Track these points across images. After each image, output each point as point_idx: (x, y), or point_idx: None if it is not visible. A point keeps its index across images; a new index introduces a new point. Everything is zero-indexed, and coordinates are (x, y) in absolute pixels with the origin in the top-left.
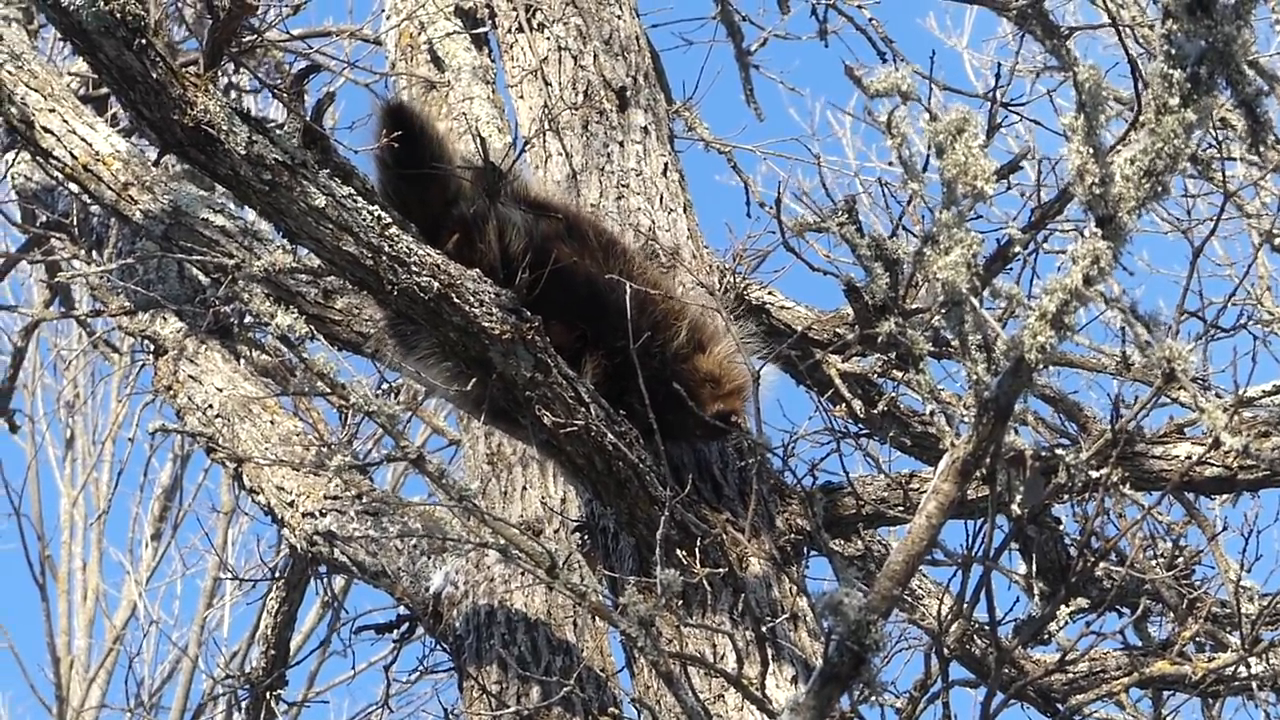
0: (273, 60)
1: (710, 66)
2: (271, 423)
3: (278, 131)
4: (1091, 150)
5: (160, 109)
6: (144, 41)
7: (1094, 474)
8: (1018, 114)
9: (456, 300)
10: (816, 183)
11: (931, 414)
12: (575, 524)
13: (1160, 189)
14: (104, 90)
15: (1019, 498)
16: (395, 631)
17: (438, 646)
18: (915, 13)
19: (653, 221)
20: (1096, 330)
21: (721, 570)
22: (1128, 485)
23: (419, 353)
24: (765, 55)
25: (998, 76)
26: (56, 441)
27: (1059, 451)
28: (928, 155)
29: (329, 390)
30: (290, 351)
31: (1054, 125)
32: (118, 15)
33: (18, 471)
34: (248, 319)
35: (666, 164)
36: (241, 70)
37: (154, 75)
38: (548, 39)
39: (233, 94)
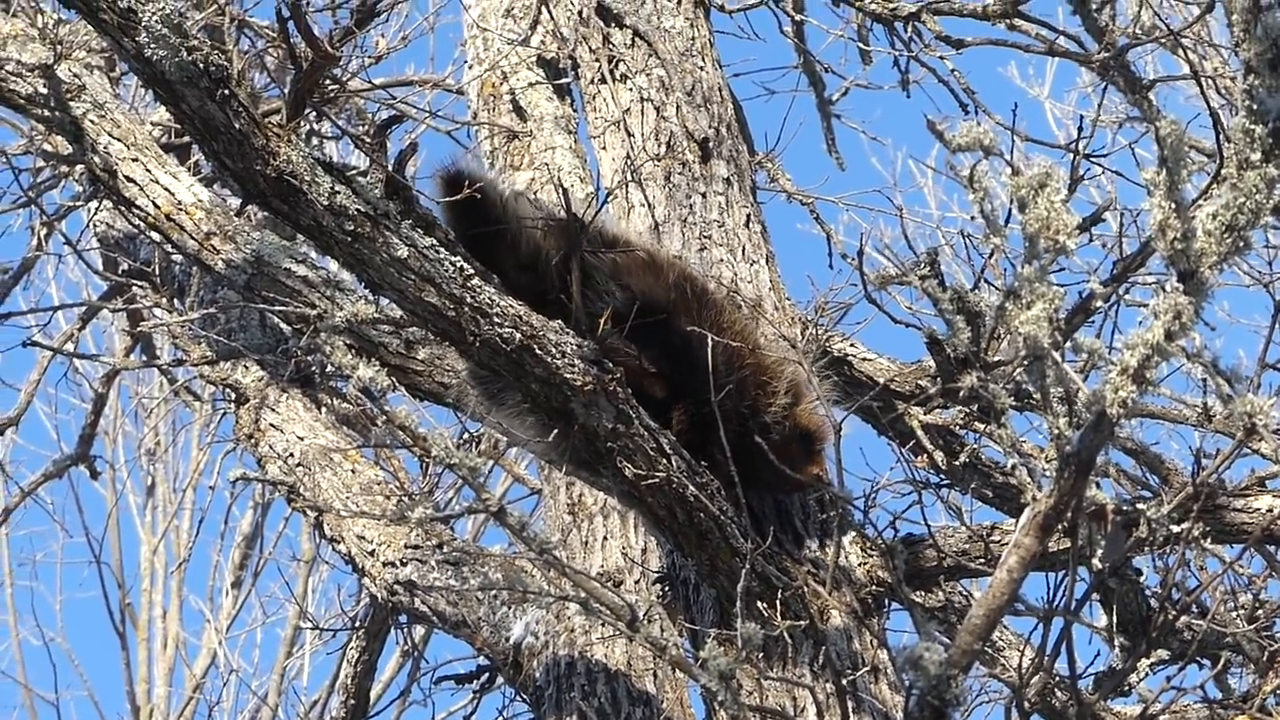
0: (354, 108)
1: (792, 116)
2: (353, 471)
3: (360, 181)
4: (1173, 205)
5: (243, 159)
6: (227, 92)
7: (1175, 528)
8: (1100, 165)
9: (539, 352)
10: (899, 233)
11: (1013, 468)
12: (656, 575)
13: (1242, 244)
14: (187, 139)
15: (1100, 552)
16: (475, 682)
17: (517, 697)
18: (997, 62)
19: (735, 273)
20: (1178, 381)
21: (802, 623)
22: (1209, 539)
23: (505, 405)
24: (847, 105)
25: (1080, 128)
26: (137, 489)
27: (1140, 505)
28: (1010, 209)
29: (410, 442)
30: (372, 404)
31: (1136, 176)
32: (200, 66)
33: (98, 519)
34: (329, 369)
35: (749, 215)
36: (324, 119)
37: (237, 126)
38: (630, 90)
39: (314, 141)
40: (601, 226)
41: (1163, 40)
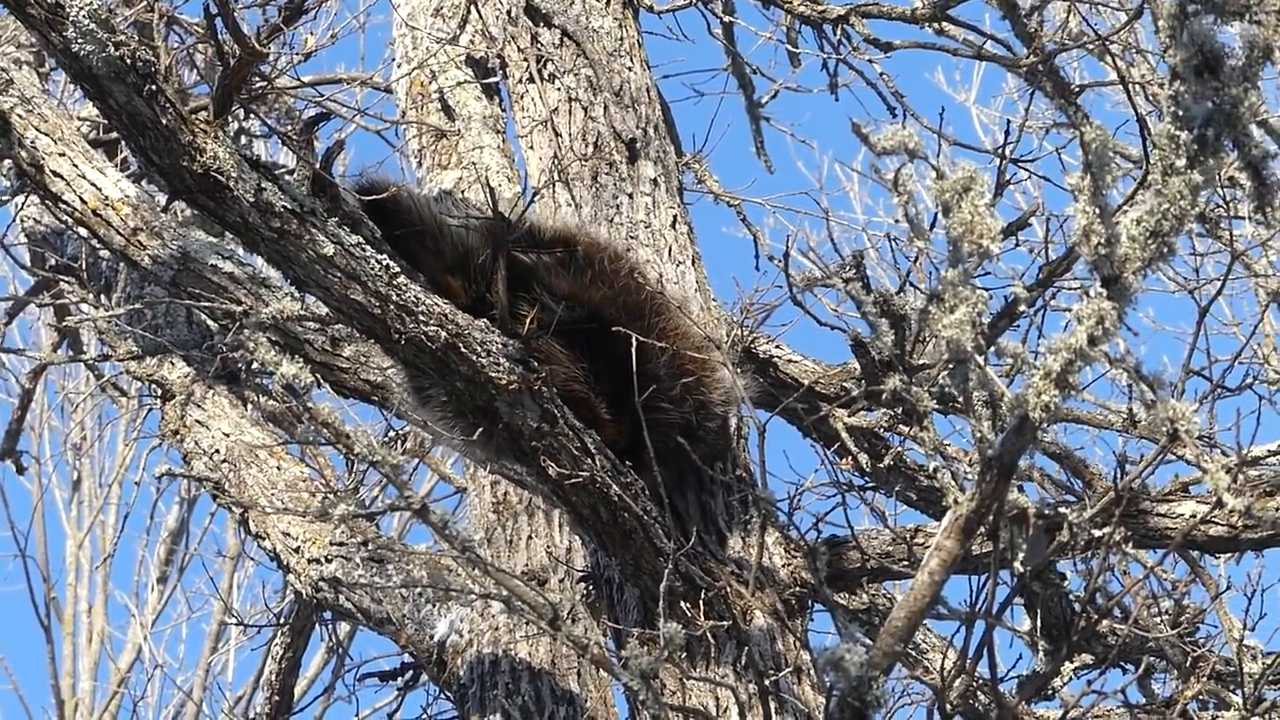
0: (283, 106)
1: (721, 118)
2: (278, 468)
3: (287, 178)
4: (1098, 210)
5: (169, 155)
6: (154, 87)
7: (1098, 533)
8: (1026, 170)
9: (464, 350)
10: (825, 236)
11: (936, 470)
12: (580, 574)
13: (1166, 250)
14: (114, 135)
15: (1023, 555)
16: (399, 679)
17: (441, 695)
18: (924, 67)
19: (661, 274)
20: (1102, 386)
21: (725, 623)
22: (1131, 544)
23: (432, 403)
24: (776, 107)
25: (1006, 133)
26: (63, 483)
27: (1063, 509)
28: (935, 213)
29: (334, 440)
30: (296, 401)
31: (1062, 181)
32: (128, 61)
33: (24, 513)
34: (254, 366)
35: (676, 216)
36: (252, 116)
37: (164, 121)
38: (558, 90)
39: (243, 139)
40: (537, 224)
41: (1090, 46)
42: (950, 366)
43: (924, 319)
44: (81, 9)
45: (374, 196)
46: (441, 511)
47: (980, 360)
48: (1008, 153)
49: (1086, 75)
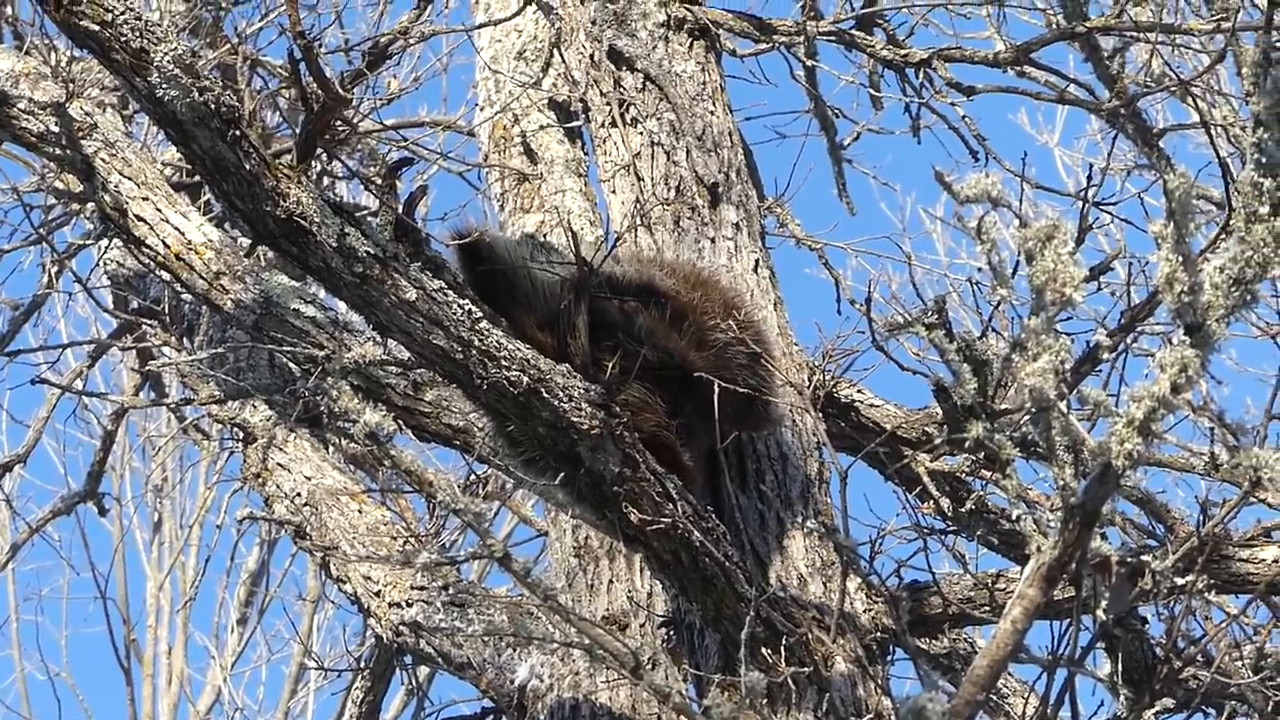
0: (366, 148)
1: (803, 160)
2: (359, 512)
3: (370, 222)
4: (1181, 258)
5: (253, 200)
6: (238, 132)
7: (1180, 579)
8: (1109, 214)
9: (546, 395)
10: (907, 278)
11: (1018, 518)
12: (661, 619)
13: (1249, 297)
14: (198, 178)
15: (1105, 602)
16: None
17: None
18: (1008, 109)
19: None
20: (1185, 427)
21: (807, 669)
22: (1214, 590)
23: (518, 451)
24: (858, 150)
25: (1089, 176)
26: (144, 525)
27: (1145, 556)
28: (1017, 260)
29: (417, 487)
30: (378, 448)
31: (1145, 224)
32: (212, 106)
33: (105, 555)
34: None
35: (758, 260)
36: (335, 160)
37: (247, 166)
38: (641, 134)
39: (325, 181)
40: (619, 273)
41: (1173, 89)
42: (1033, 414)
43: (1007, 366)
44: (166, 54)
45: (462, 241)
46: (524, 559)
47: (1063, 408)
48: (1090, 197)
49: (1169, 116)
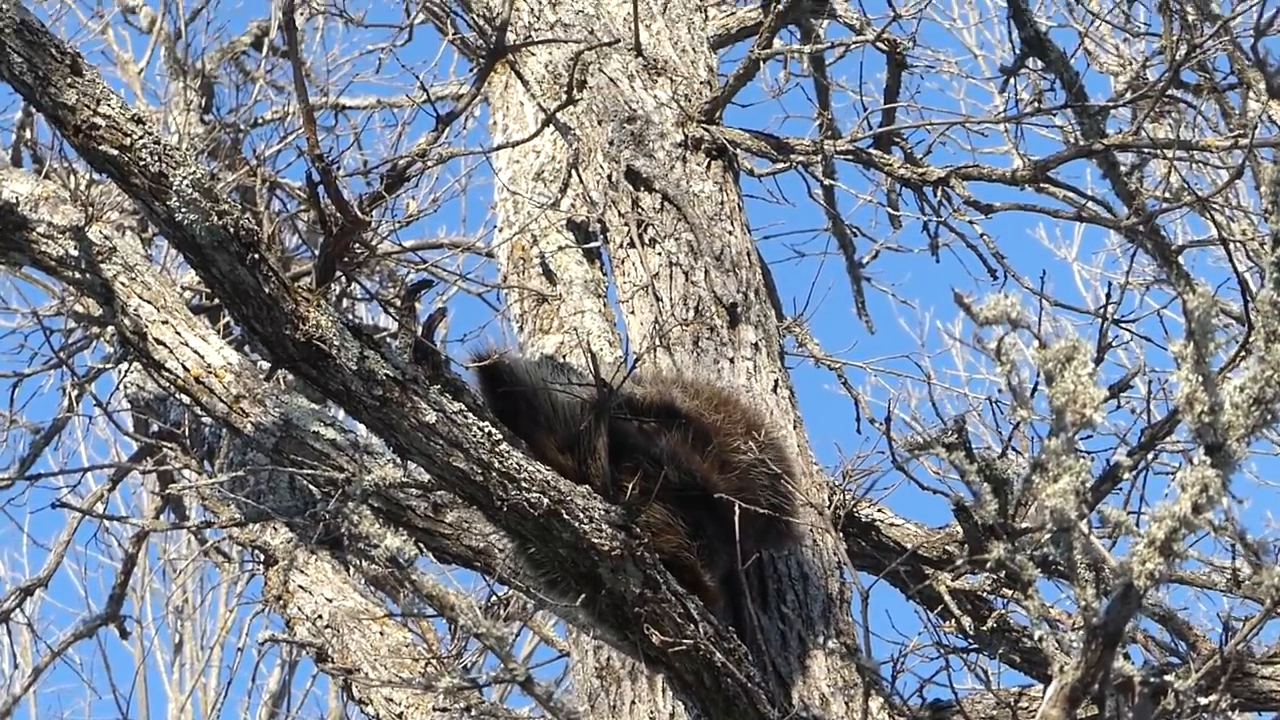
0: (385, 269)
1: (821, 278)
2: (381, 634)
3: (389, 345)
4: (1201, 378)
5: (272, 324)
6: (257, 256)
7: (1203, 699)
8: (1128, 331)
9: (566, 516)
10: (926, 396)
11: (1040, 638)
12: None
13: (1270, 416)
14: (217, 300)
15: None
16: None
17: None
18: (1026, 224)
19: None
20: (1206, 542)
21: None
22: (1237, 709)
23: (539, 571)
24: (876, 267)
25: (1108, 294)
26: (165, 647)
27: (1168, 675)
28: (1037, 380)
29: (439, 612)
30: (399, 572)
31: (1164, 338)
32: (231, 230)
33: (126, 677)
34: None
35: (777, 380)
36: (354, 282)
37: (266, 290)
38: (659, 254)
39: (344, 302)
40: (639, 394)
41: (1191, 205)
42: (1054, 534)
43: (1028, 486)
44: (185, 178)
45: (482, 363)
46: (546, 682)
47: (1084, 528)
48: (1110, 314)
49: (1188, 231)
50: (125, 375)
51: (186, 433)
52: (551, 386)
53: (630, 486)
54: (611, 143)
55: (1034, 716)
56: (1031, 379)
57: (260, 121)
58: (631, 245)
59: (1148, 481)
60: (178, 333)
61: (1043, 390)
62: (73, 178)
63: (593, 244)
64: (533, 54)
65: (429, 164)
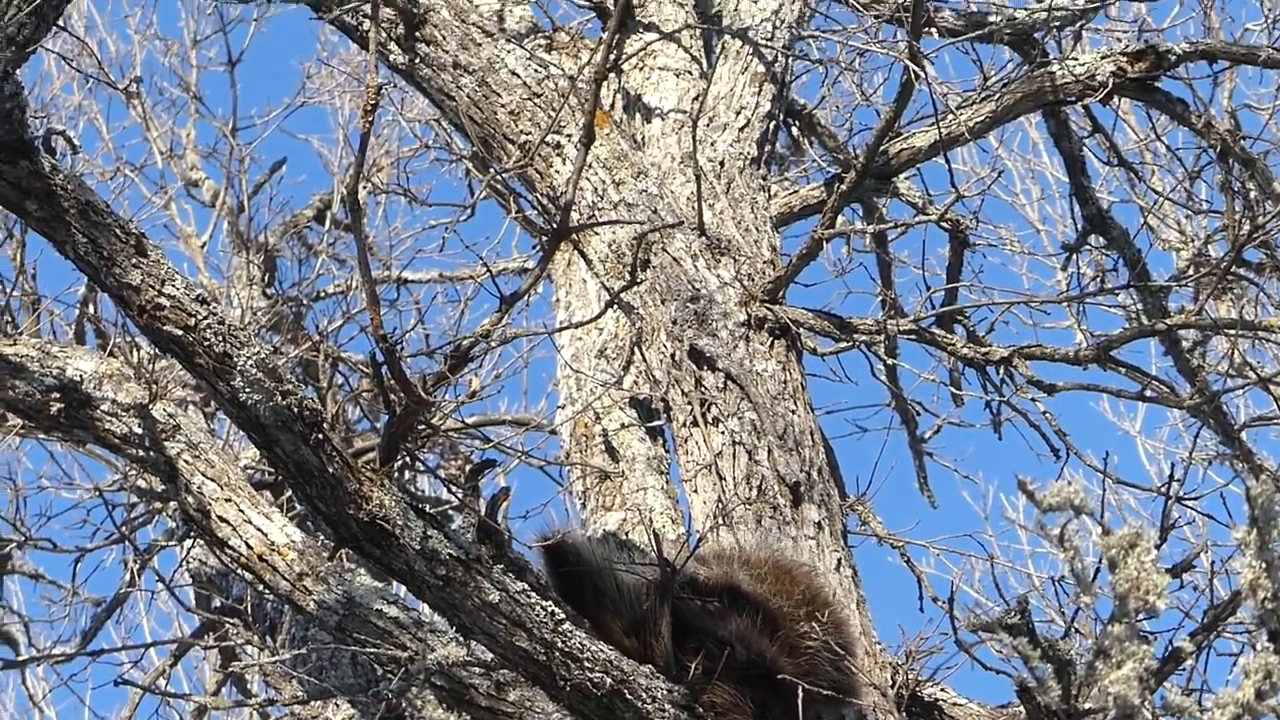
0: (447, 443)
1: (885, 455)
2: None
3: (452, 523)
4: (1264, 565)
5: (336, 503)
6: (320, 436)
7: None
8: (1191, 508)
9: (629, 696)
10: (989, 571)
11: None
12: None
13: None
14: (279, 476)
15: None
16: None
17: None
18: (1090, 398)
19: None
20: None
21: None
22: None
23: None
24: (938, 443)
25: (1171, 474)
26: None
27: None
28: (1099, 566)
29: None
30: None
31: (1226, 515)
32: (295, 410)
33: None
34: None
35: (840, 559)
36: (417, 460)
37: (330, 470)
38: (722, 433)
39: (408, 474)
40: (703, 575)
41: (1253, 384)
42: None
43: (1090, 672)
44: (249, 359)
45: (546, 544)
46: None
47: (1147, 714)
48: (1173, 493)
49: (1250, 408)
50: (188, 551)
51: (249, 609)
52: (615, 566)
53: (694, 666)
54: (675, 322)
55: None
56: (1095, 562)
57: (323, 295)
58: (694, 424)
59: (1210, 663)
60: (241, 510)
61: (1105, 574)
62: (136, 355)
63: (655, 422)
64: (596, 233)
65: (493, 344)
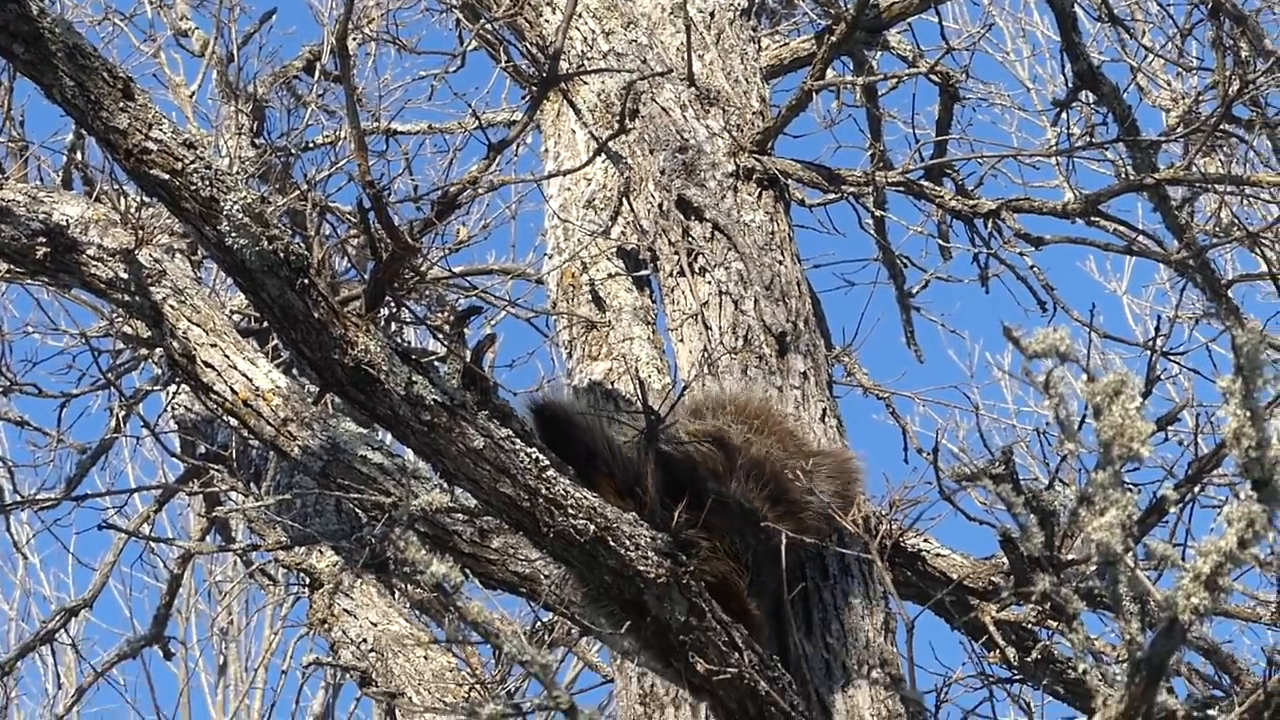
0: (434, 294)
1: (871, 308)
2: (425, 659)
3: (438, 370)
4: (1248, 414)
5: (321, 348)
6: (306, 281)
7: None
8: (1177, 364)
9: (612, 544)
10: (974, 426)
11: (1084, 671)
12: None
13: None
14: (265, 323)
15: None
16: None
17: None
18: (1076, 257)
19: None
20: (1251, 575)
21: None
22: None
23: (586, 597)
24: (926, 297)
25: (1157, 328)
26: (209, 668)
27: (1210, 710)
28: (1084, 414)
29: (484, 638)
30: (445, 599)
31: (1213, 373)
32: (281, 255)
33: (170, 699)
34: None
35: (825, 410)
36: (403, 307)
37: (315, 315)
38: (709, 283)
39: (393, 326)
40: (690, 428)
41: (1242, 240)
42: (1100, 567)
43: (1074, 520)
44: (236, 203)
45: (538, 408)
46: (590, 709)
47: (1130, 561)
48: (1159, 347)
49: (1237, 266)
50: (173, 397)
51: (233, 455)
52: (602, 416)
53: (677, 514)
54: (663, 171)
55: None
56: (1079, 412)
57: (311, 146)
58: (681, 274)
59: (1194, 515)
60: (226, 356)
61: (1090, 423)
62: (123, 200)
63: (642, 272)
64: (585, 83)
65: (480, 191)
